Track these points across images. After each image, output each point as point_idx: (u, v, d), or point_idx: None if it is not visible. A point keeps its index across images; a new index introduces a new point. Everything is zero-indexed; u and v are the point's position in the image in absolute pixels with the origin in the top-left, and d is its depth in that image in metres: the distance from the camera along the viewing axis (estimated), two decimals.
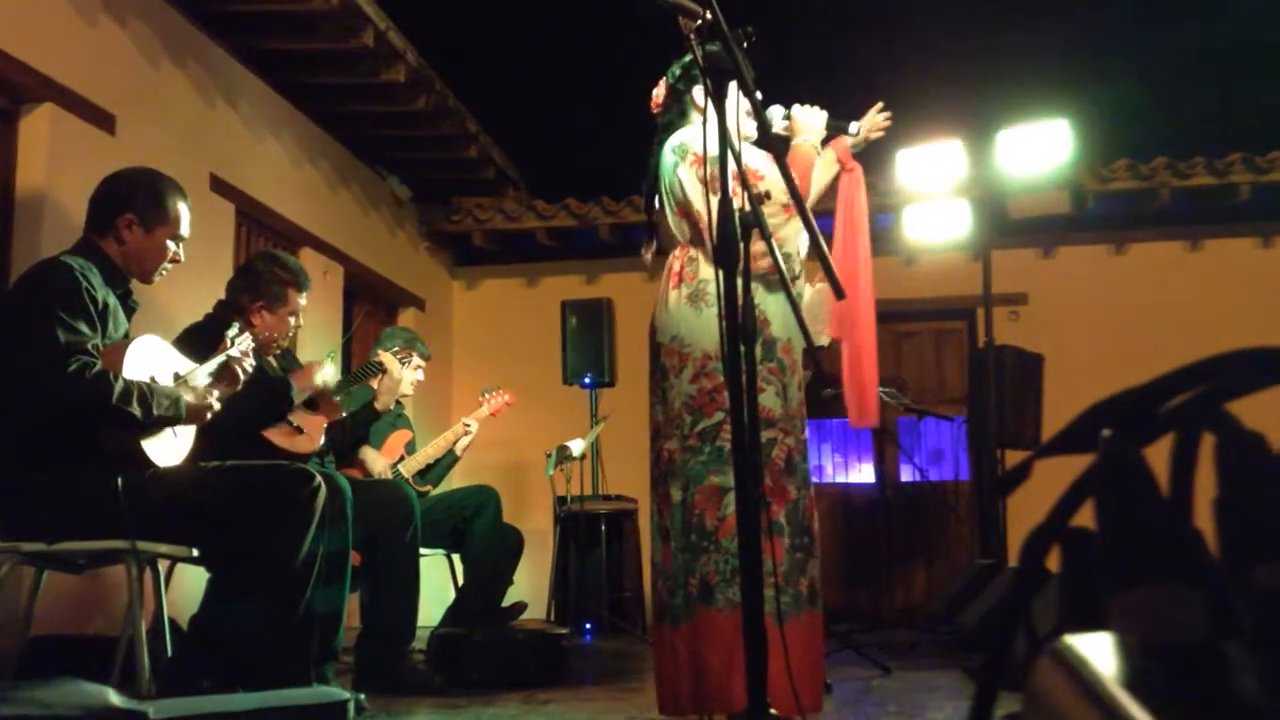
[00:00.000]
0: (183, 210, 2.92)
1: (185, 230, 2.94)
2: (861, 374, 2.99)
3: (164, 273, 2.94)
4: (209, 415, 2.77)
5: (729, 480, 2.60)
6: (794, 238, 2.81)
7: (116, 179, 2.92)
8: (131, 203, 2.84)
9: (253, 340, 2.97)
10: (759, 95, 2.89)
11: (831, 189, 3.11)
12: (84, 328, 2.58)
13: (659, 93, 2.96)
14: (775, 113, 2.93)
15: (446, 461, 4.97)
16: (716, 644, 2.60)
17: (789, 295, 2.15)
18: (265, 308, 3.54)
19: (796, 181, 2.72)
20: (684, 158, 2.78)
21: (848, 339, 2.99)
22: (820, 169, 2.98)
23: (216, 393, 2.80)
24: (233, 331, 2.94)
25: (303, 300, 3.62)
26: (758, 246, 2.63)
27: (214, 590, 2.79)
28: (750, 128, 2.77)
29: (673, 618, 2.67)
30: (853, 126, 2.94)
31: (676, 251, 2.85)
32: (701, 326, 2.71)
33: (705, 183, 2.69)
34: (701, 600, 2.63)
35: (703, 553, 2.64)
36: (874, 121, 3.05)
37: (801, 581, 2.68)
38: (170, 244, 2.90)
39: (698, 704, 2.63)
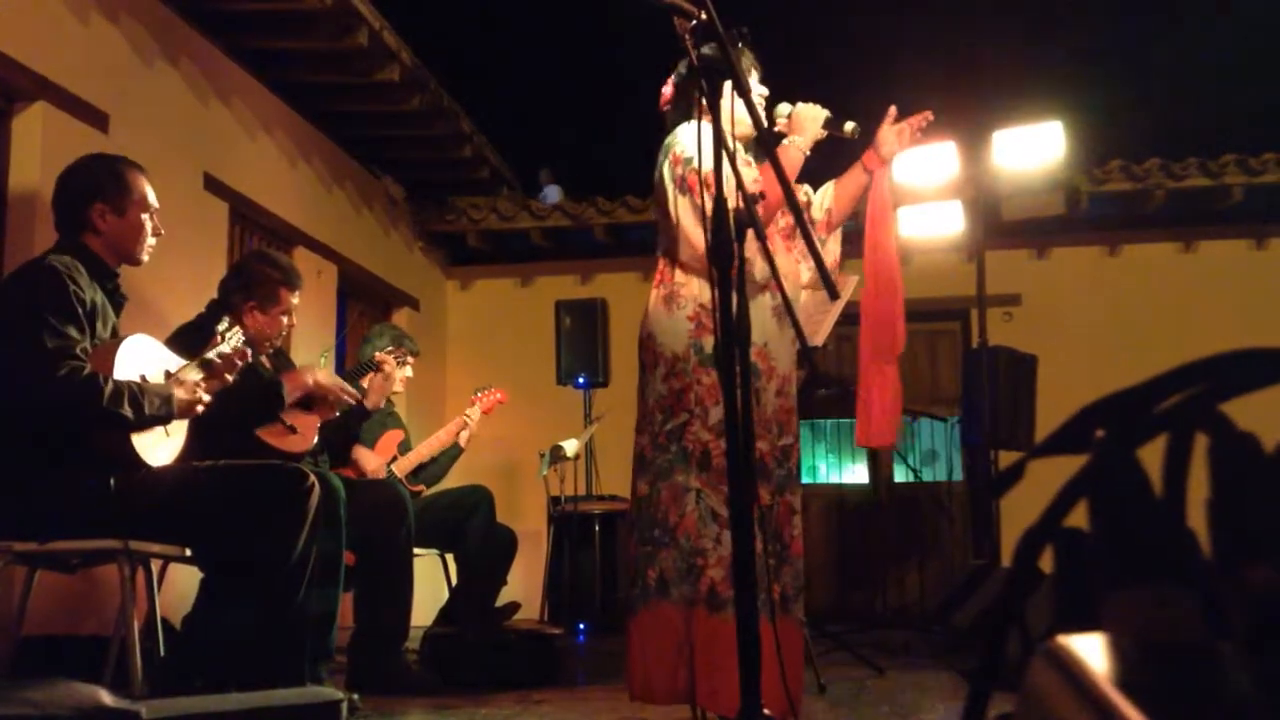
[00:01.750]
0: (144, 183, 2.91)
1: (155, 201, 2.92)
2: (898, 396, 3.00)
3: (150, 249, 2.93)
4: (199, 409, 2.76)
5: (691, 480, 2.67)
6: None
7: (71, 173, 2.88)
8: (97, 192, 2.82)
9: (244, 335, 2.96)
10: (765, 93, 2.89)
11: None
12: (72, 331, 2.57)
13: (668, 90, 2.95)
14: (781, 110, 2.92)
15: (452, 453, 4.95)
16: (667, 635, 2.65)
17: (783, 295, 2.15)
18: (257, 307, 3.53)
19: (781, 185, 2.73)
20: (666, 156, 2.78)
21: (889, 364, 2.99)
22: (845, 184, 2.99)
23: (204, 377, 2.78)
24: (223, 326, 2.93)
25: (295, 300, 3.61)
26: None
27: (207, 590, 2.78)
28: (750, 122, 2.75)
29: (631, 608, 2.73)
30: (848, 126, 2.90)
31: (661, 253, 2.87)
32: (672, 327, 2.74)
33: (678, 183, 2.70)
34: (658, 593, 2.67)
35: (663, 547, 2.68)
36: (893, 127, 2.91)
37: (774, 587, 2.68)
38: (146, 219, 2.88)
39: (648, 691, 2.68)
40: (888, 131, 2.92)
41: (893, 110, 2.94)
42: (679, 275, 2.76)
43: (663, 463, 2.72)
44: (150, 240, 2.91)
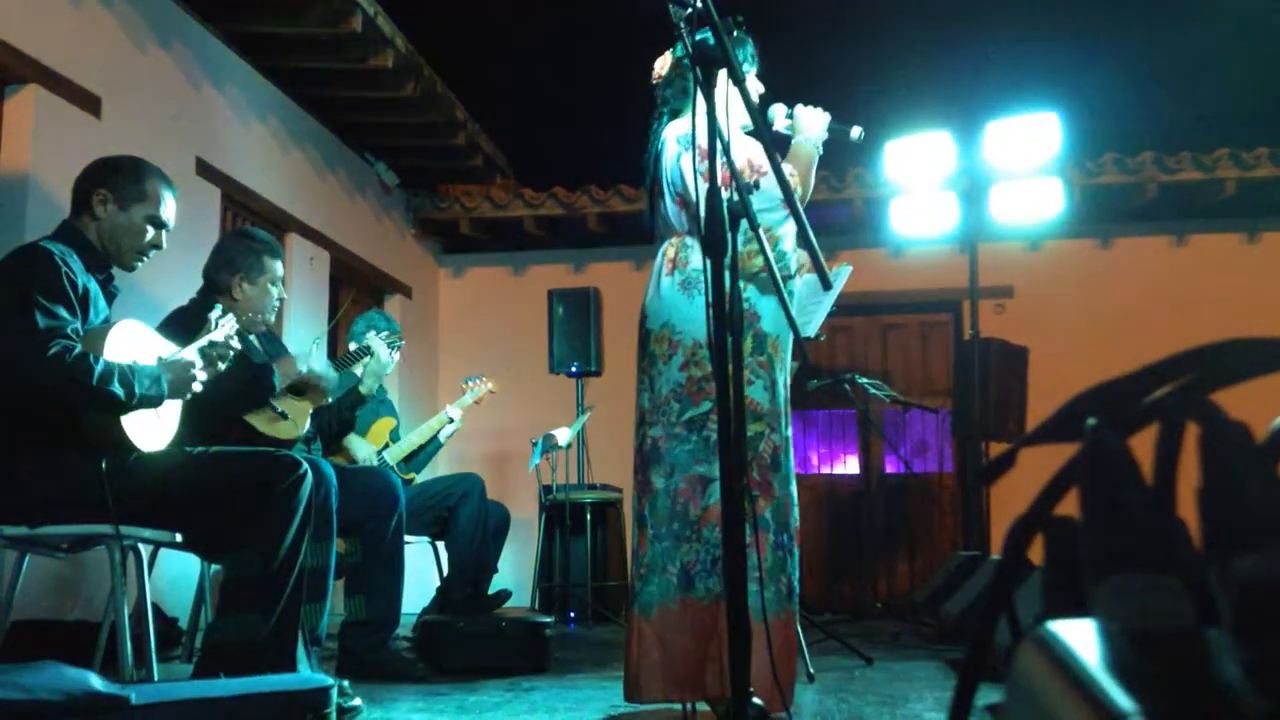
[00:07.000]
0: (164, 194, 2.88)
1: (166, 215, 2.89)
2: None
3: (144, 260, 2.90)
4: (192, 390, 2.75)
5: (713, 470, 2.60)
6: (792, 236, 2.79)
7: (99, 160, 2.89)
8: (107, 178, 2.81)
9: (236, 321, 2.95)
10: (761, 88, 2.88)
11: None
12: (63, 313, 2.56)
13: (662, 65, 2.91)
14: (778, 110, 2.91)
15: (430, 449, 4.97)
16: (695, 632, 2.60)
17: (776, 285, 2.14)
18: (245, 279, 3.51)
19: (793, 179, 2.72)
20: (688, 149, 2.75)
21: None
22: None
23: (200, 363, 2.77)
24: (216, 313, 2.92)
25: (279, 267, 3.59)
26: (751, 247, 2.62)
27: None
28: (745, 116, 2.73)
29: (644, 605, 2.65)
30: (855, 131, 2.88)
31: (671, 239, 2.83)
32: (693, 314, 2.68)
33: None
34: (682, 589, 2.62)
35: (685, 541, 2.63)
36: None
37: (781, 579, 2.68)
38: (149, 227, 2.85)
39: (664, 690, 2.62)
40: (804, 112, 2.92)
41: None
42: (696, 260, 2.71)
43: (681, 453, 2.67)
44: (148, 254, 2.88)
